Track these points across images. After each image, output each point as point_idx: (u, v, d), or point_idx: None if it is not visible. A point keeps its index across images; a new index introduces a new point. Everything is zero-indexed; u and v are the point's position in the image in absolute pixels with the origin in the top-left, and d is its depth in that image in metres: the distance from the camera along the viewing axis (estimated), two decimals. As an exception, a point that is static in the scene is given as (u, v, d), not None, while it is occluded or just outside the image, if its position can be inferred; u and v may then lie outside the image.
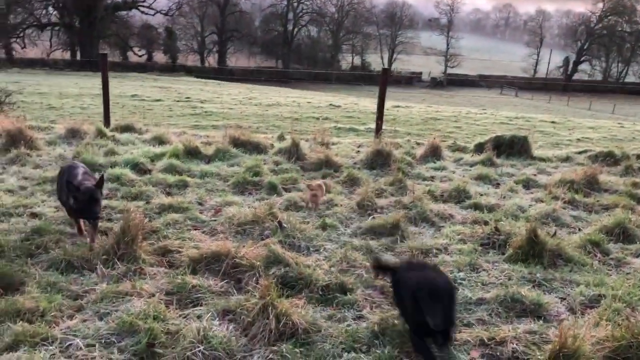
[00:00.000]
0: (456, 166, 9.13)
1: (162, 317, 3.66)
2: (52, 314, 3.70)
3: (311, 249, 5.15)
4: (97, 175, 5.30)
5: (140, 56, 73.72)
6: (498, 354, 3.54)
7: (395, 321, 3.79)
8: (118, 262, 4.51)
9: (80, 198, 4.70)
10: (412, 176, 8.13)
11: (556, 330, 3.62)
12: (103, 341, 3.43)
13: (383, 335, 3.65)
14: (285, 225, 5.45)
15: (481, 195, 7.19)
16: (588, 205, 6.92)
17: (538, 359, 3.32)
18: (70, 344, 3.38)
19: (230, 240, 5.11)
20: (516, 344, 3.61)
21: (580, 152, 10.59)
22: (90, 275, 4.37)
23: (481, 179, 8.15)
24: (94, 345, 3.36)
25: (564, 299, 4.36)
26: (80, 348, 3.35)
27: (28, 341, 3.36)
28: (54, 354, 3.26)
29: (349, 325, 3.81)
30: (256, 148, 9.16)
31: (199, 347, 3.38)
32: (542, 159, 9.84)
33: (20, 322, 3.53)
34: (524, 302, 4.16)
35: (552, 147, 13.00)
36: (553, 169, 9.19)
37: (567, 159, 9.96)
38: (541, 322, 3.93)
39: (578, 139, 15.52)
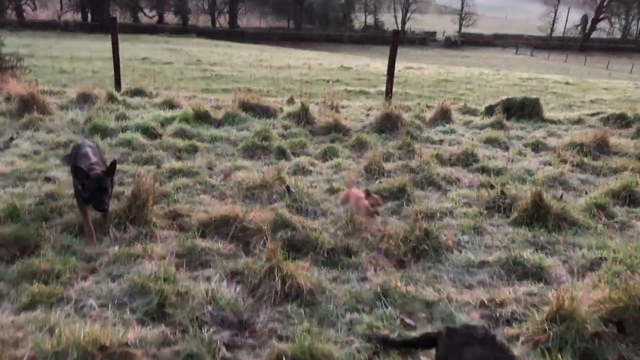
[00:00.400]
0: (466, 129, 9.11)
1: (172, 278, 3.78)
2: (67, 275, 3.84)
3: (318, 212, 5.24)
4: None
5: (151, 17, 73.02)
6: (497, 315, 3.64)
7: (398, 283, 3.89)
8: (130, 226, 4.63)
9: (88, 186, 4.37)
10: (421, 140, 8.14)
11: (556, 292, 3.69)
12: (116, 302, 3.57)
13: (385, 297, 3.75)
14: (293, 190, 5.53)
15: (489, 158, 7.20)
16: (596, 168, 6.91)
17: (535, 319, 3.40)
18: (85, 304, 3.54)
19: (239, 204, 5.21)
20: (515, 306, 3.71)
21: (592, 114, 10.49)
22: (103, 238, 4.50)
23: (490, 142, 8.14)
24: (107, 306, 3.51)
25: (566, 262, 4.42)
26: (94, 308, 3.50)
27: (44, 301, 3.51)
28: (69, 314, 3.41)
29: (352, 287, 3.92)
30: (265, 112, 9.19)
31: (207, 307, 3.51)
32: (553, 122, 9.78)
33: (36, 283, 3.69)
34: (526, 265, 4.22)
35: (565, 109, 12.85)
36: (564, 131, 9.14)
37: (578, 121, 9.89)
38: (542, 284, 4.01)
39: (592, 101, 15.29)
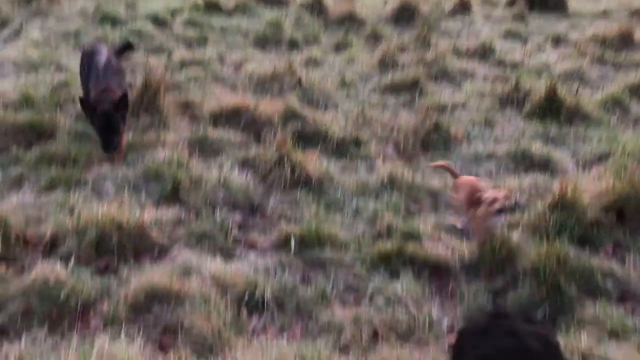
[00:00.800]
0: (485, 21, 8.75)
1: (185, 164, 3.89)
2: (83, 161, 3.96)
3: (329, 105, 5.23)
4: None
5: None
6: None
7: (405, 173, 3.95)
8: (142, 115, 4.67)
9: (95, 122, 3.99)
10: (438, 32, 7.87)
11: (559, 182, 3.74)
12: (131, 186, 3.70)
13: (392, 185, 3.84)
14: (304, 82, 5.49)
15: (507, 52, 7.00)
16: (617, 63, 6.68)
17: (537, 208, 3.48)
18: (101, 187, 3.68)
19: (250, 95, 5.19)
20: (520, 195, 3.79)
21: (619, 7, 9.98)
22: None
23: (510, 35, 7.85)
24: (123, 189, 3.63)
25: (575, 155, 4.43)
26: (111, 191, 3.64)
27: (63, 184, 3.66)
28: (87, 196, 3.55)
29: (360, 176, 4.00)
30: (278, 2, 8.87)
31: (220, 192, 3.65)
32: (578, 15, 9.35)
33: (55, 167, 3.82)
34: (534, 157, 4.26)
35: (591, 1, 12.22)
36: (588, 25, 8.76)
37: (603, 14, 9.44)
38: (548, 175, 4.05)
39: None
